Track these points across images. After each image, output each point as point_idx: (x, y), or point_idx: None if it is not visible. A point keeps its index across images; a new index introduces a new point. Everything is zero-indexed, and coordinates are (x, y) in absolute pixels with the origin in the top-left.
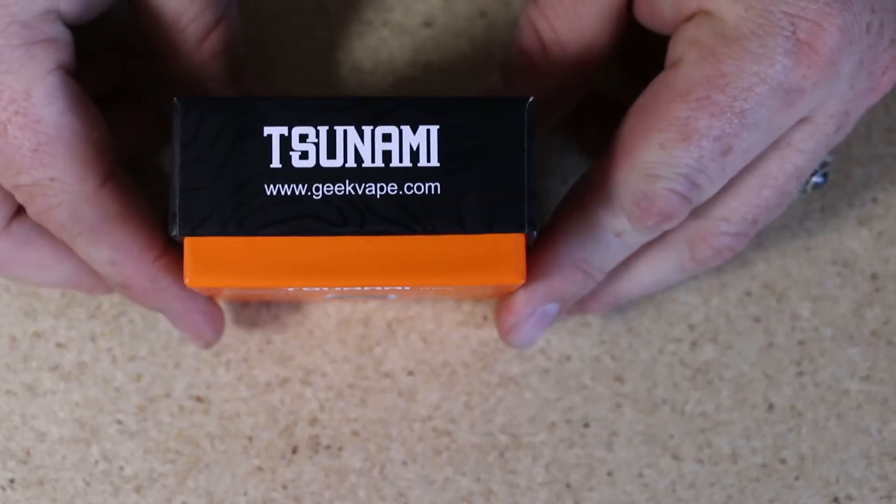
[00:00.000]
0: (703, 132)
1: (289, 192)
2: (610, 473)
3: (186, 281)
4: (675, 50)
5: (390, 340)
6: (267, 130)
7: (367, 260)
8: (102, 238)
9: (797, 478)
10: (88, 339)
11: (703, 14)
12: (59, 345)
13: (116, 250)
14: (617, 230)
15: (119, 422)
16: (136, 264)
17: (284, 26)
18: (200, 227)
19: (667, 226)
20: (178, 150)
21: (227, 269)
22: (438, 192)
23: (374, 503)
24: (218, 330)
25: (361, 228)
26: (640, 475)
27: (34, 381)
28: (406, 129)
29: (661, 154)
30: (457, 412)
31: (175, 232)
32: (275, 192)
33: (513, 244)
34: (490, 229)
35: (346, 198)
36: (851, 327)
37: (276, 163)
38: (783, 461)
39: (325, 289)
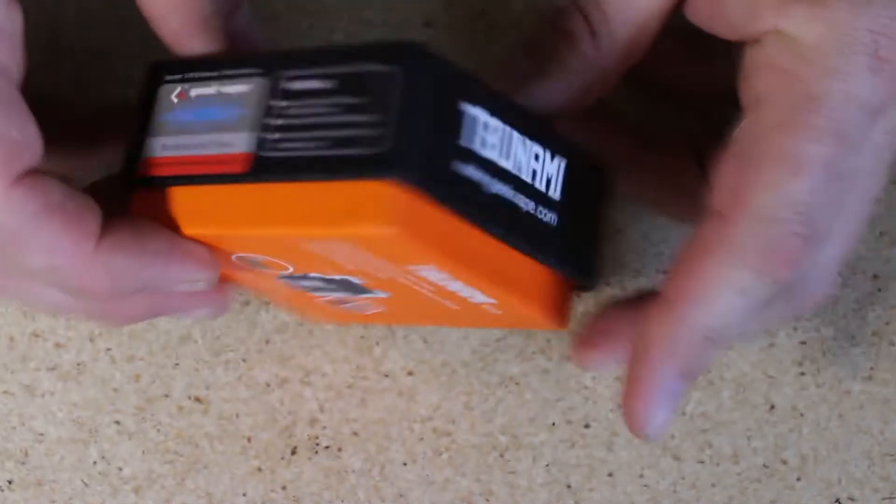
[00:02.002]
0: (811, 160)
1: None
2: (610, 474)
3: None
4: (754, 81)
5: (390, 340)
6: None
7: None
8: (28, 242)
9: (799, 478)
10: (87, 340)
11: (775, 34)
12: (57, 345)
13: (50, 253)
14: (743, 289)
15: (118, 422)
16: (75, 259)
17: (284, 26)
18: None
19: (790, 275)
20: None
21: None
22: (555, 223)
23: (373, 503)
24: (216, 271)
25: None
26: (641, 476)
27: (32, 382)
28: (548, 155)
29: (774, 195)
30: (457, 412)
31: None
32: None
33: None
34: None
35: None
36: (853, 327)
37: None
38: (784, 462)
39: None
